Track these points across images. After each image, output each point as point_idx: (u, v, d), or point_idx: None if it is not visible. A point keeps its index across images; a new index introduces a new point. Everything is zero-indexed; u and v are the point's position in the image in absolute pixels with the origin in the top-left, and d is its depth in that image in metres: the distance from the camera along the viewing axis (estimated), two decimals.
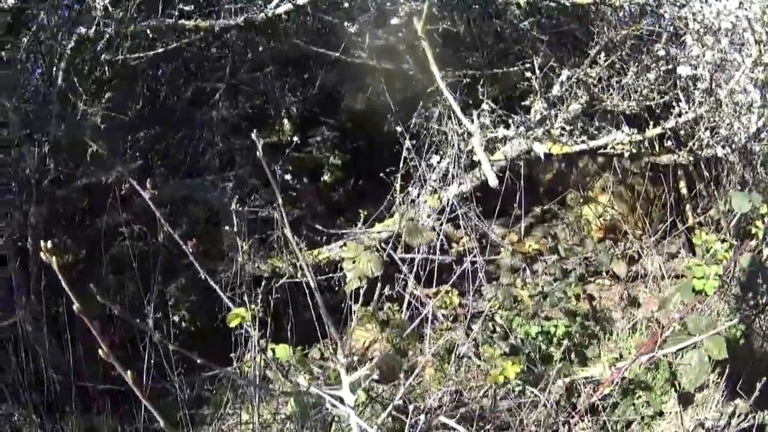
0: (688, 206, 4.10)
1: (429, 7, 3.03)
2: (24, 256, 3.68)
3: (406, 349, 2.74)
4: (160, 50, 3.38)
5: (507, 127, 3.34)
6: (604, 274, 3.86)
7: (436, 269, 3.28)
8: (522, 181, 3.32)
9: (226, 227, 3.43)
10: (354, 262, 2.87)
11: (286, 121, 3.92)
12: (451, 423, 2.32)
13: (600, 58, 3.74)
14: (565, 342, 3.11)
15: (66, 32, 3.49)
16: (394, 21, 3.31)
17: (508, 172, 3.40)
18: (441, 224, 3.18)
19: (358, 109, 3.86)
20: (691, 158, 3.61)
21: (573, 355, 3.40)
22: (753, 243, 3.49)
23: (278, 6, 3.27)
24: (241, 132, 3.71)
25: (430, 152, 3.26)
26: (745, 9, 3.80)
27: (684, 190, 4.13)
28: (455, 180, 3.21)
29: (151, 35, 3.32)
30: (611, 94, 3.66)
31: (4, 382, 3.76)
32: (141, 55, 3.42)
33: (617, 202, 4.11)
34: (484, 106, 3.32)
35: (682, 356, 3.13)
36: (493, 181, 2.75)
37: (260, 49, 3.56)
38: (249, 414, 2.99)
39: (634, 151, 3.49)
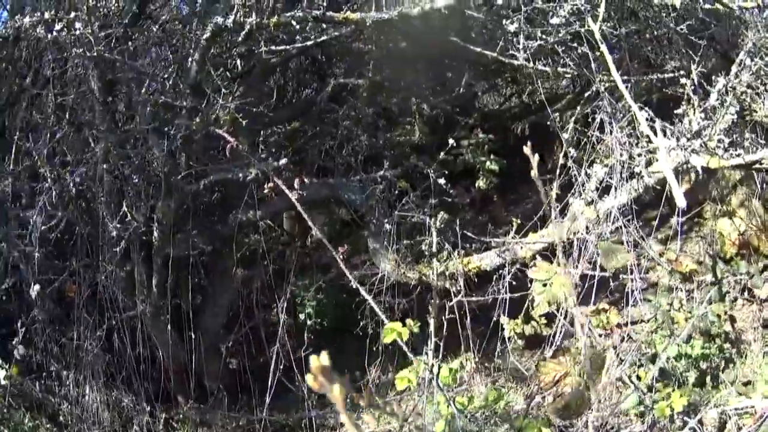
0: None
1: (605, 7, 2.63)
2: (149, 249, 3.36)
3: (594, 383, 2.41)
4: (299, 45, 2.94)
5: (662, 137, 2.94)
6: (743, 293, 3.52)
7: (595, 285, 2.92)
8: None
9: (369, 232, 3.07)
10: (545, 285, 2.51)
11: (417, 120, 3.53)
12: None
13: (746, 63, 3.33)
14: (703, 364, 2.77)
15: (200, 22, 3.05)
16: (554, 20, 2.90)
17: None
18: (606, 237, 2.79)
19: (491, 112, 3.47)
20: None
21: (708, 379, 3.05)
22: None
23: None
24: (383, 130, 3.32)
25: (589, 160, 2.87)
26: None
27: None
28: (616, 192, 2.84)
29: (297, 26, 2.89)
30: (761, 104, 3.24)
31: (120, 371, 3.48)
32: (280, 48, 2.98)
33: (754, 217, 3.75)
34: (643, 113, 2.91)
35: None
36: (681, 202, 2.40)
37: (404, 45, 3.12)
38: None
39: None
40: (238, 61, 3.34)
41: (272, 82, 3.45)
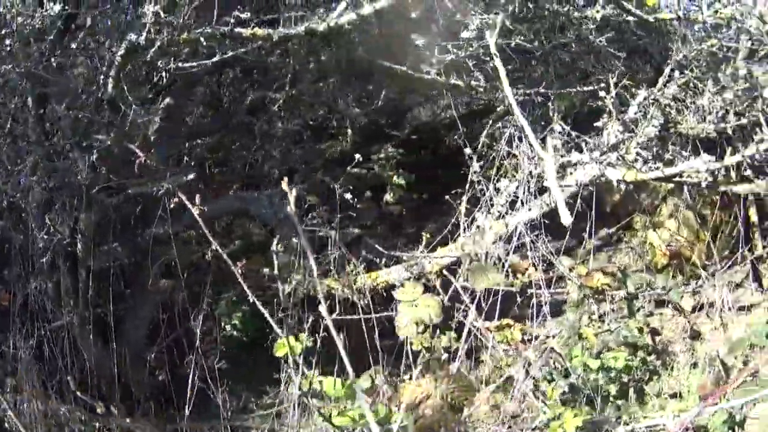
0: (757, 234, 3.61)
1: (502, 20, 2.56)
2: (74, 261, 3.38)
3: (461, 405, 2.34)
4: (217, 58, 2.93)
5: (579, 150, 2.86)
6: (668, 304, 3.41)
7: (499, 301, 2.85)
8: (593, 209, 2.86)
9: (276, 247, 3.03)
10: (411, 305, 2.47)
11: (350, 132, 3.50)
12: None
13: (675, 76, 3.22)
14: (625, 377, 2.67)
15: (117, 39, 3.06)
16: (465, 34, 2.84)
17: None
18: (507, 253, 2.72)
19: (422, 125, 3.42)
20: None
21: (632, 392, 2.96)
22: None
23: (341, 15, 2.81)
24: (301, 144, 3.30)
25: (499, 175, 2.80)
26: None
27: (754, 218, 3.64)
28: (524, 206, 2.77)
29: (205, 43, 2.88)
30: (686, 117, 3.14)
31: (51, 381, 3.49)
32: (197, 63, 2.98)
33: (684, 228, 3.63)
34: (555, 127, 2.84)
35: (752, 408, 2.68)
36: (566, 219, 2.33)
37: (323, 58, 3.10)
38: None
39: (711, 179, 2.99)
40: (164, 74, 3.35)
41: (196, 95, 3.44)
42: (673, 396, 3.39)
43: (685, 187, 3.67)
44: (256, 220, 3.22)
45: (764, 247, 3.80)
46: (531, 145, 3.06)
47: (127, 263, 3.45)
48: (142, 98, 3.39)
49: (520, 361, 2.92)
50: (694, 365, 3.51)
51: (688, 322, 3.60)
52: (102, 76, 3.32)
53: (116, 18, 3.36)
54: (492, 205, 3.05)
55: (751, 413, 2.58)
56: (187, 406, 3.39)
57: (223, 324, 3.48)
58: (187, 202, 2.88)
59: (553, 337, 2.97)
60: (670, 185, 3.73)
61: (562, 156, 3.09)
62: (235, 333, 3.49)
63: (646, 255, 3.87)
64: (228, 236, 3.21)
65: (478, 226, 3.02)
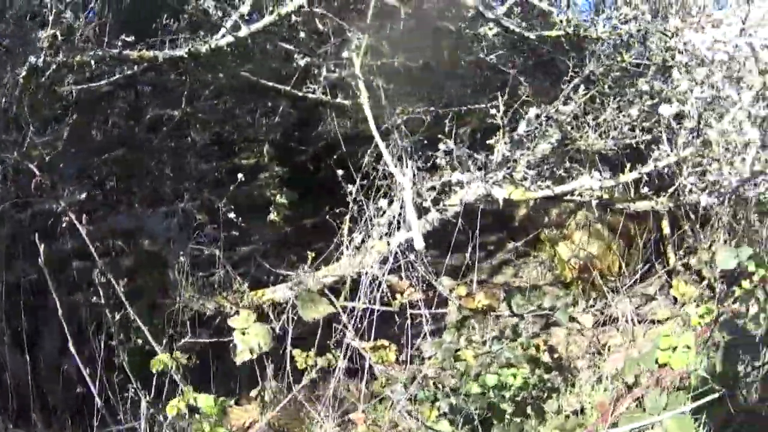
0: (669, 247, 3.51)
1: (366, 44, 2.53)
2: None
3: None
4: (112, 78, 2.99)
5: (478, 168, 2.82)
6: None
7: (374, 322, 2.83)
8: (477, 230, 2.82)
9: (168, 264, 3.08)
10: (244, 333, 2.48)
11: (267, 146, 3.53)
12: None
13: (578, 92, 3.13)
14: (523, 394, 2.63)
15: (21, 60, 3.16)
16: (346, 54, 2.81)
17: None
18: (383, 273, 2.70)
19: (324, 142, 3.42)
20: (671, 205, 3.01)
21: (529, 409, 2.92)
22: (736, 306, 2.88)
23: (222, 37, 2.81)
24: (208, 160, 3.33)
25: (378, 195, 2.78)
26: (750, 35, 3.11)
27: (667, 230, 3.54)
28: (403, 226, 2.74)
29: (94, 65, 2.94)
30: (587, 132, 3.05)
31: None
32: (97, 84, 3.06)
33: (594, 241, 3.56)
34: (441, 146, 2.80)
35: None
36: (419, 245, 2.30)
37: (220, 75, 3.11)
38: None
39: (606, 196, 2.90)
40: (66, 95, 3.41)
41: (98, 114, 3.50)
42: (576, 413, 3.35)
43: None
44: (151, 238, 3.27)
45: (679, 259, 3.70)
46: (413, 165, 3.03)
47: (40, 277, 3.54)
48: (46, 118, 3.47)
49: (394, 382, 2.90)
50: (599, 381, 3.46)
51: (595, 336, 3.54)
52: (7, 97, 3.41)
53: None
54: (373, 225, 3.02)
55: None
56: (95, 418, 3.45)
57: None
58: (76, 222, 2.96)
59: (429, 358, 2.94)
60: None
61: (441, 177, 3.04)
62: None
63: (555, 269, 3.79)
64: (124, 253, 3.26)
65: (356, 247, 3.00)
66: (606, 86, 3.42)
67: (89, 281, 3.52)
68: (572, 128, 3.34)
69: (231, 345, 2.68)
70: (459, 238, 3.37)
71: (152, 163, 3.34)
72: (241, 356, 2.56)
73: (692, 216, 3.63)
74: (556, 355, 3.29)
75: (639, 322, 3.52)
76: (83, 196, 3.13)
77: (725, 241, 3.67)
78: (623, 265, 3.70)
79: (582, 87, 3.47)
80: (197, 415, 2.40)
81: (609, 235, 3.88)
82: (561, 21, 3.03)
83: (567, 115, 3.29)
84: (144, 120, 3.39)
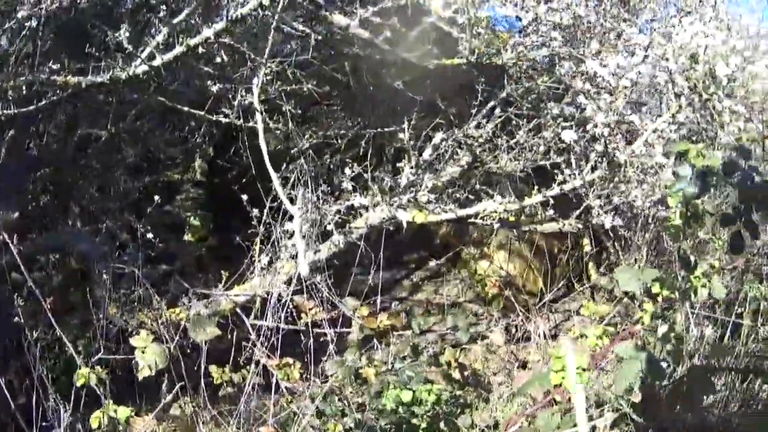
0: (591, 264, 3.60)
1: (262, 81, 2.67)
2: None
3: None
4: (45, 102, 3.20)
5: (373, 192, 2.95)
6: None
7: (280, 340, 2.97)
8: (381, 251, 2.95)
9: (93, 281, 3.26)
10: (143, 352, 2.65)
11: (198, 162, 3.69)
12: None
13: (494, 115, 3.24)
14: (436, 409, 2.77)
15: None
16: (255, 81, 2.95)
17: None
18: (288, 294, 2.85)
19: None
20: (580, 226, 3.10)
21: (443, 425, 3.06)
22: (638, 328, 2.98)
23: (140, 65, 2.98)
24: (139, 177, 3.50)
25: (286, 218, 2.92)
26: (666, 59, 3.22)
27: (587, 247, 3.63)
28: (311, 247, 2.89)
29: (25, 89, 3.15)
30: (496, 156, 3.15)
31: None
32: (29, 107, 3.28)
33: (516, 259, 3.66)
34: (347, 170, 2.93)
35: None
36: (304, 272, 2.43)
37: (145, 97, 3.28)
38: None
39: (512, 219, 3.01)
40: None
41: (32, 135, 3.68)
42: (489, 428, 3.46)
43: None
44: (79, 256, 3.45)
45: (603, 275, 3.77)
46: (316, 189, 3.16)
47: None
48: None
49: (300, 397, 3.05)
50: (513, 396, 3.56)
51: (512, 353, 3.64)
52: None
53: None
54: (280, 248, 3.17)
55: None
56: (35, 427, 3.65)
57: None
58: (8, 240, 3.16)
59: (331, 376, 3.07)
60: None
61: (348, 200, 3.16)
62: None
63: (476, 286, 3.89)
64: (54, 270, 3.45)
65: (263, 268, 3.15)
66: (524, 108, 3.51)
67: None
68: (484, 151, 3.44)
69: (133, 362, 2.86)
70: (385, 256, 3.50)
71: (80, 183, 3.53)
72: (143, 372, 2.74)
73: (611, 234, 3.71)
74: (466, 372, 3.41)
75: (555, 338, 3.62)
76: (15, 215, 3.32)
77: (647, 260, 3.74)
78: (544, 282, 3.79)
79: (499, 109, 3.57)
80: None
81: (530, 254, 3.97)
82: (464, 49, 3.12)
83: (477, 138, 3.40)
84: (72, 140, 3.57)
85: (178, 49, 3.10)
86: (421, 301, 3.97)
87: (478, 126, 3.37)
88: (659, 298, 3.09)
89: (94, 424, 2.74)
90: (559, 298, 3.97)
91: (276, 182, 2.86)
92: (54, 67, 3.29)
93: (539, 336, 3.54)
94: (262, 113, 2.96)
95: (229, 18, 2.95)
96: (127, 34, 3.13)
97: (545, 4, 3.30)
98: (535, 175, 3.43)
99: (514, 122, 3.47)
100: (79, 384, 2.77)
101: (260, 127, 2.93)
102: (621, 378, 2.88)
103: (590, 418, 2.97)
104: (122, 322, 3.45)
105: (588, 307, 3.46)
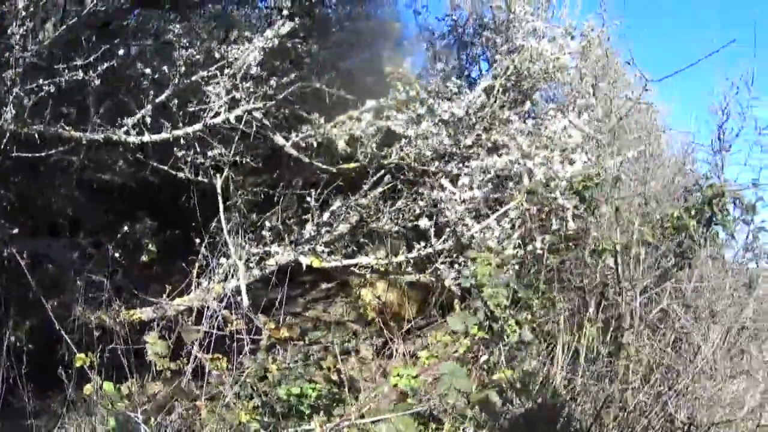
0: (456, 300, 5.25)
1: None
2: None
3: None
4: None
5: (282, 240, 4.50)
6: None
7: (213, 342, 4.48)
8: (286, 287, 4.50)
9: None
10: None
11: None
12: None
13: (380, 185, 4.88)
14: (318, 402, 4.31)
15: None
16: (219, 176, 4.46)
17: None
18: (219, 308, 4.34)
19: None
20: (433, 279, 4.73)
21: (322, 413, 4.62)
22: (456, 354, 4.65)
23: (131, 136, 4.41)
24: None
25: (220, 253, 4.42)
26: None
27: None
28: (234, 276, 4.39)
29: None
30: (378, 218, 4.76)
31: None
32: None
33: (393, 290, 5.29)
34: (266, 223, 4.46)
35: None
36: (245, 303, 3.95)
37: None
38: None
39: (383, 269, 4.62)
40: None
41: None
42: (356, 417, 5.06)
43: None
44: (54, 264, 4.83)
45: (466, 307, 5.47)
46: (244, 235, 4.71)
47: None
48: None
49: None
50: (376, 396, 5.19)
51: (380, 366, 5.26)
52: None
53: None
54: (214, 273, 4.69)
55: None
56: None
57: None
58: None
59: (246, 369, 4.60)
60: None
61: (266, 245, 4.73)
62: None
63: (359, 308, 5.52)
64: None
65: (194, 286, 4.67)
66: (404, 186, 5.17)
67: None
68: (370, 213, 5.07)
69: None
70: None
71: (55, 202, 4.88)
72: (152, 356, 4.18)
73: None
74: (342, 376, 5.02)
75: (413, 356, 5.27)
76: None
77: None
78: (414, 310, 5.42)
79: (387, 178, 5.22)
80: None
81: (406, 287, 5.61)
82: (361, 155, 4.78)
83: (365, 205, 5.03)
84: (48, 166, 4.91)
85: (165, 135, 4.56)
86: (312, 318, 5.56)
87: (365, 196, 4.98)
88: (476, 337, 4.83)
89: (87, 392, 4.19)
90: (427, 326, 5.58)
91: (225, 230, 4.38)
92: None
93: (400, 353, 5.17)
94: (221, 193, 4.50)
95: (204, 123, 4.46)
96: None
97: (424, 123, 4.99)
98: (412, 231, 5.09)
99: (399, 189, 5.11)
100: (79, 365, 4.21)
101: (220, 202, 4.46)
102: (442, 384, 4.58)
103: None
104: (87, 318, 4.87)
105: (435, 336, 5.11)
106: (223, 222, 4.41)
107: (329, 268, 5.70)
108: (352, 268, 5.19)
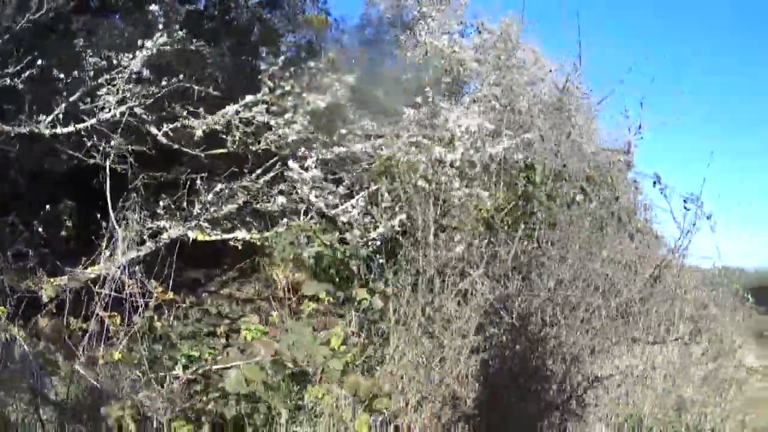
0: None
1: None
2: None
3: None
4: None
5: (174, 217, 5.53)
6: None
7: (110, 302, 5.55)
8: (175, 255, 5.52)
9: None
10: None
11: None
12: None
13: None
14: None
15: None
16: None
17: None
18: (119, 275, 5.42)
19: None
20: None
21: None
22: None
23: (47, 129, 5.50)
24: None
25: (123, 229, 5.49)
26: None
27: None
28: (131, 249, 5.46)
29: None
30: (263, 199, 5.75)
31: None
32: None
33: (303, 269, 6.24)
34: (161, 202, 5.49)
35: None
36: (124, 263, 4.99)
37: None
38: None
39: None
40: None
41: None
42: None
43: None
44: None
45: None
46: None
47: None
48: None
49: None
50: None
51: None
52: None
53: None
54: (115, 246, 5.76)
55: None
56: None
57: None
58: None
59: (136, 324, 5.67)
60: None
61: (158, 221, 5.76)
62: None
63: (271, 287, 6.48)
64: None
65: (94, 259, 5.74)
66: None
67: None
68: (255, 195, 6.03)
69: None
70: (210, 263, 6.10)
71: None
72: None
73: None
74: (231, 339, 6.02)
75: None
76: None
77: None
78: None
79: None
80: None
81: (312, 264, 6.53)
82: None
83: (250, 186, 5.99)
84: None
85: (71, 128, 5.65)
86: (226, 295, 6.56)
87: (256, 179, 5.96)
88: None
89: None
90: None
91: (111, 213, 5.41)
92: None
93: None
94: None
95: (98, 119, 5.53)
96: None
97: None
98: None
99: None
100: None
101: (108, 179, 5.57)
102: (285, 339, 5.51)
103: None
104: (16, 284, 6.06)
105: (308, 304, 6.05)
106: (109, 204, 5.48)
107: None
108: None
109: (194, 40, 6.15)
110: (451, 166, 6.14)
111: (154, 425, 4.61)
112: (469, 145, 6.23)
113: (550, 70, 8.98)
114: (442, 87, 6.84)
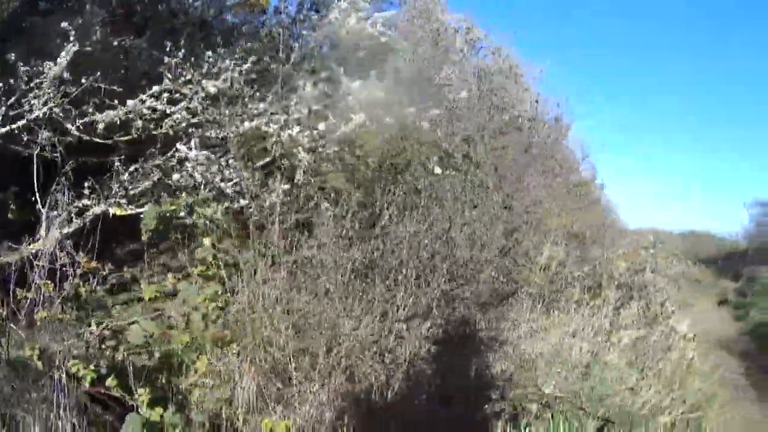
0: None
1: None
2: None
3: None
4: None
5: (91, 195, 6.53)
6: None
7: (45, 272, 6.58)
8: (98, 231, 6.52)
9: None
10: None
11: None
12: None
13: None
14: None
15: None
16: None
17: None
18: (52, 249, 6.48)
19: None
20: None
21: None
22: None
23: None
24: None
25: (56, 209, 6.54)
26: None
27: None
28: (63, 226, 6.50)
29: None
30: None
31: None
32: None
33: (228, 239, 7.15)
34: (86, 183, 6.51)
35: None
36: (54, 238, 6.02)
37: None
38: None
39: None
40: None
41: None
42: None
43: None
44: None
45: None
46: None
47: None
48: None
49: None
50: None
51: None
52: None
53: None
54: (52, 225, 6.79)
55: None
56: None
57: None
58: None
59: (65, 291, 6.69)
60: None
61: (83, 200, 6.74)
62: None
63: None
64: None
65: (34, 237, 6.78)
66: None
67: None
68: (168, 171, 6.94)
69: None
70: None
71: None
72: None
73: None
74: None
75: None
76: None
77: None
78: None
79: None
80: None
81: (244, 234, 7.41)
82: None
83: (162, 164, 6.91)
84: None
85: (8, 128, 6.71)
86: (159, 264, 7.52)
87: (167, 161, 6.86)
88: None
89: None
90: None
91: (37, 195, 6.41)
92: None
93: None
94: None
95: (27, 119, 6.56)
96: None
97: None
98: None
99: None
100: None
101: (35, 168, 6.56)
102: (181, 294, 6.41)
103: None
104: None
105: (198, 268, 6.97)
106: (36, 187, 6.48)
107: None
108: None
109: (118, 38, 7.12)
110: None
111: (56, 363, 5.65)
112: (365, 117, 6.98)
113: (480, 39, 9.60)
114: (353, 64, 7.56)
